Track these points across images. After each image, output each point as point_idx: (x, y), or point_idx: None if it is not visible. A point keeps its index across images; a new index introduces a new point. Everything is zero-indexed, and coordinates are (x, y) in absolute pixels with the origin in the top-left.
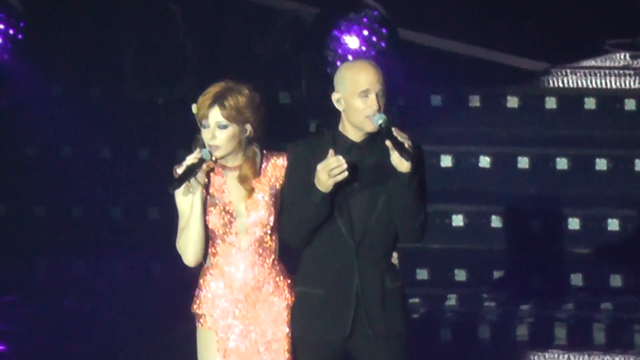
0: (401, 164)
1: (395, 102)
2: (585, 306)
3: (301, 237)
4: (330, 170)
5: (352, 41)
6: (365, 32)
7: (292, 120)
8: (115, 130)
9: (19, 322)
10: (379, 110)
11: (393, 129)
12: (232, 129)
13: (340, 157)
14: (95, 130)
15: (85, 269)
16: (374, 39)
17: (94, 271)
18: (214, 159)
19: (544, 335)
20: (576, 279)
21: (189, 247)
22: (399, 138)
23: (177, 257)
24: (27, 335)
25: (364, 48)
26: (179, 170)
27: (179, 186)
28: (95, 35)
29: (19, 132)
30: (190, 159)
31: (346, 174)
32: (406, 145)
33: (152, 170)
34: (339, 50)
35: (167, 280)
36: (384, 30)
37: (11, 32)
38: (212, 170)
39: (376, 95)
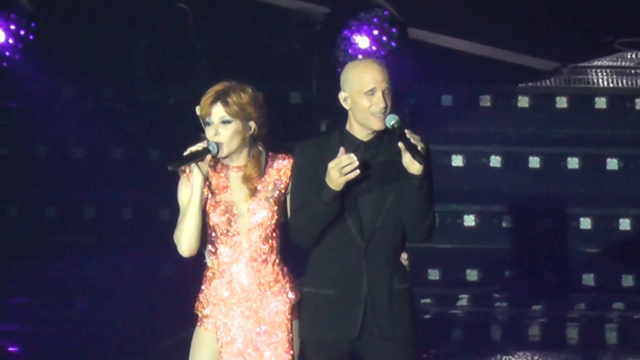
0: (413, 166)
1: (406, 101)
2: (597, 306)
3: (311, 236)
4: (342, 168)
5: (362, 41)
6: (376, 32)
7: (303, 120)
8: (126, 130)
9: (31, 323)
10: (385, 108)
11: (406, 130)
12: (235, 124)
13: (352, 155)
14: (106, 130)
15: (96, 269)
16: (384, 38)
17: (105, 272)
18: (219, 156)
19: (556, 335)
20: (588, 279)
21: (183, 236)
22: (412, 140)
23: (189, 258)
24: (39, 336)
25: (374, 48)
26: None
27: (178, 165)
28: (106, 36)
29: (29, 133)
30: (195, 147)
31: (358, 172)
32: (419, 148)
33: (163, 170)
34: (350, 50)
35: (178, 281)
36: (394, 30)
37: (22, 32)
38: (214, 167)
39: (382, 93)
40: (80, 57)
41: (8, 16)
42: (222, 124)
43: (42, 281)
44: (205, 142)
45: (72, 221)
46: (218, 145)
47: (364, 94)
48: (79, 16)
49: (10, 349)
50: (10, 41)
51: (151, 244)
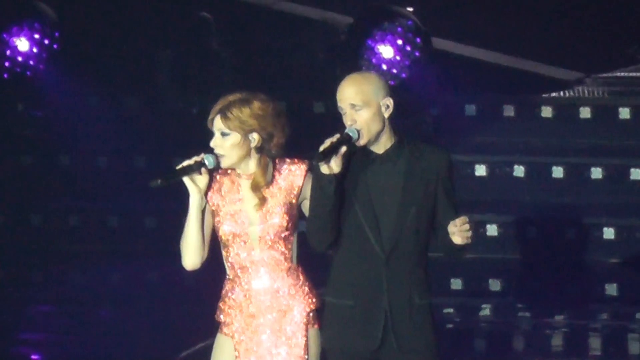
0: (455, 239)
1: (430, 111)
2: (620, 316)
3: (320, 235)
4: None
5: (386, 50)
6: (400, 42)
7: (326, 129)
8: (150, 139)
9: (54, 331)
10: (354, 125)
11: (329, 141)
12: (233, 137)
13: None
14: (130, 139)
15: (120, 278)
16: (408, 48)
17: (128, 280)
18: (221, 166)
19: (578, 346)
20: (611, 289)
21: (183, 251)
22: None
23: (210, 268)
24: (62, 344)
25: (398, 57)
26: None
27: (161, 183)
28: (130, 45)
29: (54, 142)
30: (187, 161)
31: (327, 144)
32: (321, 147)
33: None
34: (373, 60)
35: (201, 290)
36: (418, 40)
37: (46, 41)
38: (228, 175)
39: (349, 111)
40: (104, 67)
41: (32, 25)
42: (221, 136)
43: (66, 290)
44: (201, 155)
45: (96, 230)
46: (218, 157)
47: (342, 114)
48: (103, 25)
49: (34, 357)
50: (35, 50)
51: (174, 253)
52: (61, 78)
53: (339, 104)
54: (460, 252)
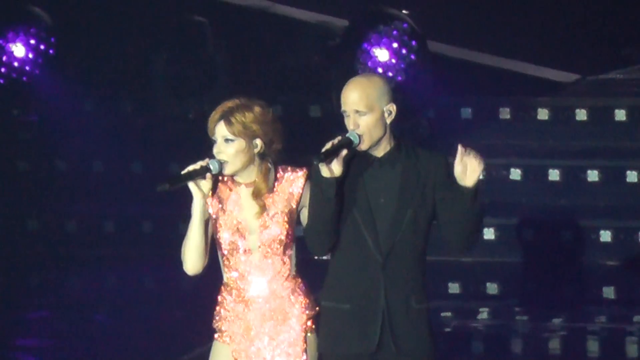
0: (464, 177)
1: (425, 114)
2: (617, 319)
3: (320, 239)
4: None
5: (381, 54)
6: (395, 45)
7: (322, 133)
8: (146, 144)
9: (51, 337)
10: (356, 130)
11: (331, 143)
12: (238, 143)
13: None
14: (126, 144)
15: (116, 283)
16: (404, 51)
17: (125, 285)
18: (224, 173)
19: (576, 349)
20: (608, 292)
21: (186, 255)
22: (335, 143)
23: (207, 272)
24: (59, 350)
25: (393, 60)
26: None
27: (168, 187)
28: (125, 50)
29: (50, 147)
30: (193, 166)
31: (329, 146)
32: (323, 148)
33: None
34: (369, 63)
35: (197, 295)
36: (413, 43)
37: (42, 47)
38: (226, 183)
39: (352, 115)
40: (100, 71)
41: (28, 31)
42: (225, 142)
43: (62, 295)
44: (206, 160)
45: (92, 235)
46: (222, 163)
47: (344, 116)
48: (98, 30)
49: None
50: (30, 56)
51: (171, 258)
52: (57, 83)
53: (343, 107)
54: (474, 205)
